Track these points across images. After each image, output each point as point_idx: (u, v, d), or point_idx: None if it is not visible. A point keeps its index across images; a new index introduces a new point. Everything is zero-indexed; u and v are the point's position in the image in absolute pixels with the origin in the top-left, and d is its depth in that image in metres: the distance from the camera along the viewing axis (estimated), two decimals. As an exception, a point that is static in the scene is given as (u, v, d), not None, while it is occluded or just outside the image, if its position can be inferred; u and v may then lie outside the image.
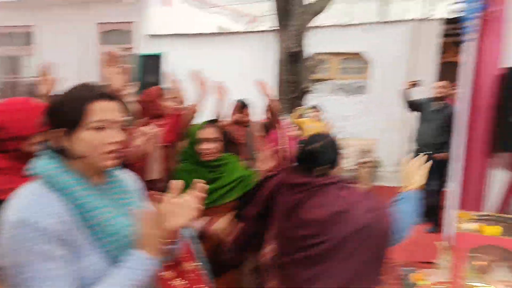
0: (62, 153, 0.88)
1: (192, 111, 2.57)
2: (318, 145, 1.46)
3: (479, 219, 1.73)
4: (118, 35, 7.92)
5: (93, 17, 7.66)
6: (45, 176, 0.85)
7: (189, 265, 0.92)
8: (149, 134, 1.52)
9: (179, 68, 6.92)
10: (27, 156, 0.98)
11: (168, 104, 2.58)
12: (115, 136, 0.88)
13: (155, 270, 0.87)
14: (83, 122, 0.86)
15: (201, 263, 1.05)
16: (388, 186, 5.49)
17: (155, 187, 1.78)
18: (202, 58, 6.79)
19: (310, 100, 6.49)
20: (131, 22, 7.65)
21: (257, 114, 3.39)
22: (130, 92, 2.15)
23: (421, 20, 6.15)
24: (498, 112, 2.36)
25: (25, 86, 8.04)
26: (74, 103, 0.86)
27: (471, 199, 2.54)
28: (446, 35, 5.88)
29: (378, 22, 6.59)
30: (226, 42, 7.45)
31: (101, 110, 0.87)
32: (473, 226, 1.62)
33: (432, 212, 3.93)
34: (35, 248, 0.76)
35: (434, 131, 4.06)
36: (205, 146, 1.84)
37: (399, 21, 6.30)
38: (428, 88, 4.55)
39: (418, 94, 4.43)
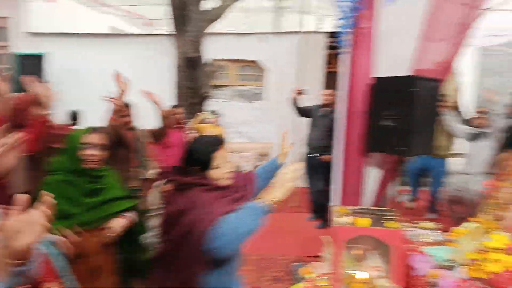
0: None
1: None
2: (192, 146, 1.53)
3: (353, 213, 1.92)
4: (-10, 31, 6.94)
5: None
6: None
7: (51, 286, 0.83)
8: (10, 144, 1.35)
9: (65, 70, 6.33)
10: None
11: (34, 110, 2.32)
12: None
13: None
14: None
15: (68, 282, 0.95)
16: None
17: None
18: (91, 60, 6.33)
19: (209, 105, 6.53)
20: (5, 17, 6.76)
21: (150, 120, 3.29)
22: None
23: (310, 32, 6.67)
24: (370, 117, 2.65)
25: None
26: None
27: (351, 195, 2.80)
28: (331, 47, 6.48)
29: (272, 33, 6.95)
30: (119, 44, 7.06)
31: None
32: (348, 219, 1.79)
33: (320, 209, 4.26)
34: None
35: (320, 135, 4.40)
36: (89, 152, 1.70)
37: (291, 32, 6.73)
38: (316, 95, 4.94)
39: (307, 101, 4.78)
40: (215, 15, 5.55)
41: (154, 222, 2.32)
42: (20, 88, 4.67)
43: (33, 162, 2.14)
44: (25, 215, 0.78)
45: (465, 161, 4.17)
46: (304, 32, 6.58)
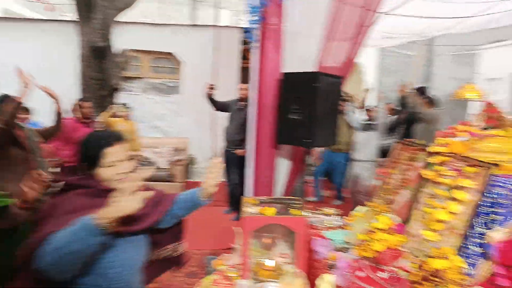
0: None
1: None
2: (82, 141, 1.38)
3: (260, 203, 1.98)
4: None
5: None
6: None
7: None
8: None
9: None
10: None
11: None
12: None
13: None
14: None
15: None
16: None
17: None
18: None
19: (121, 98, 6.19)
20: None
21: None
22: None
23: (227, 27, 6.69)
24: (279, 111, 2.75)
25: None
26: None
27: (263, 186, 2.89)
28: (246, 43, 6.58)
29: (188, 25, 6.82)
30: (16, 29, 6.32)
31: None
32: (256, 209, 1.85)
33: (237, 202, 4.33)
34: None
35: (236, 129, 4.45)
36: None
37: (207, 26, 6.68)
38: (232, 90, 4.99)
39: (224, 96, 4.80)
40: (124, 3, 5.26)
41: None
42: None
43: None
44: None
45: (358, 150, 4.62)
46: (220, 26, 6.57)
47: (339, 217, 2.31)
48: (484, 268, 1.58)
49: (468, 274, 1.55)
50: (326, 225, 2.21)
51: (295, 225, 1.79)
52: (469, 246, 1.59)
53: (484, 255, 1.57)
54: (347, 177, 5.24)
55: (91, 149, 1.34)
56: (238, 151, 4.31)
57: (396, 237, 1.26)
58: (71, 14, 5.58)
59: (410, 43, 6.35)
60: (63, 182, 1.34)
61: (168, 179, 5.80)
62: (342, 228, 2.10)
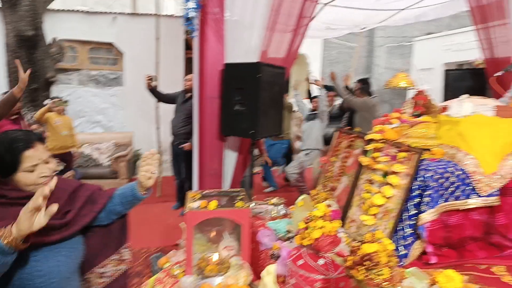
0: None
1: None
2: None
3: (203, 197, 1.95)
4: None
5: None
6: None
7: None
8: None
9: None
10: None
11: None
12: None
13: None
14: None
15: None
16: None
17: None
18: None
19: (58, 91, 5.80)
20: None
21: None
22: None
23: (170, 16, 6.45)
24: (223, 102, 2.71)
25: None
26: None
27: (211, 179, 2.85)
28: (188, 32, 6.41)
29: (129, 14, 6.50)
30: None
31: None
32: (199, 203, 1.81)
33: (185, 196, 4.25)
34: None
35: (182, 121, 4.34)
36: None
37: (150, 15, 6.41)
38: (179, 81, 4.85)
39: (170, 87, 4.64)
40: (56, -12, 4.89)
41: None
42: None
43: None
44: None
45: (302, 140, 4.74)
46: (163, 16, 6.35)
47: (284, 206, 2.33)
48: (416, 248, 1.68)
49: (402, 255, 1.64)
50: (271, 215, 2.23)
51: (238, 217, 1.78)
52: (404, 228, 1.68)
53: (416, 236, 1.67)
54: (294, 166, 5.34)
55: (8, 154, 1.17)
56: (185, 146, 4.21)
57: (331, 224, 1.29)
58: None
59: (351, 35, 6.58)
60: None
61: (112, 176, 5.55)
62: (286, 217, 2.13)
